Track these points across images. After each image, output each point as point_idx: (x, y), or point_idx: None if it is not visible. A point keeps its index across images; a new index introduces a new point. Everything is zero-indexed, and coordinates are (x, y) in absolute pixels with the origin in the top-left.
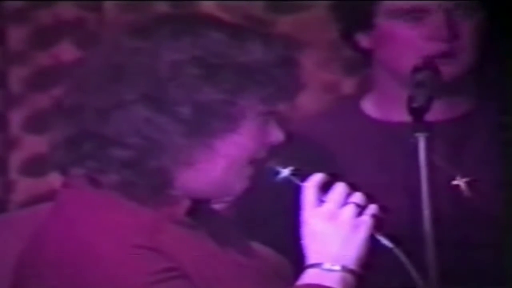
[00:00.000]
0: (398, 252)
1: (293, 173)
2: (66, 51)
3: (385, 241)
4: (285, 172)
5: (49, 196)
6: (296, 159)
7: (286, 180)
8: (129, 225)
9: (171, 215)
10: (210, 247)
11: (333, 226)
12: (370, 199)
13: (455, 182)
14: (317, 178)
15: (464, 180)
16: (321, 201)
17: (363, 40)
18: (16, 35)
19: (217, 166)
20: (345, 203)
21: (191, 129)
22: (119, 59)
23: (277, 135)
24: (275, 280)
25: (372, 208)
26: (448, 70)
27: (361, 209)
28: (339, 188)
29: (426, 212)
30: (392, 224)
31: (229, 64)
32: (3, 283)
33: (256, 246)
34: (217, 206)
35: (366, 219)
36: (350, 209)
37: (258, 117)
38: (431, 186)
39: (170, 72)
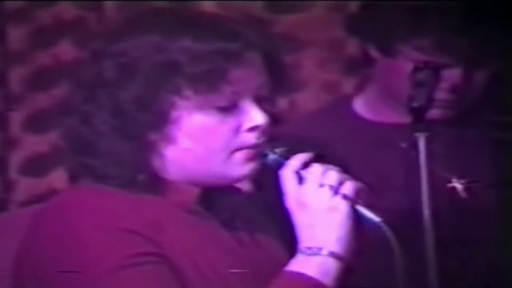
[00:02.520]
0: (384, 226)
1: (281, 155)
2: (66, 51)
3: (371, 215)
4: (273, 154)
5: (49, 196)
6: (295, 148)
7: (276, 162)
8: (115, 209)
9: (180, 203)
10: (216, 236)
11: (308, 211)
12: (349, 175)
13: (451, 185)
14: (295, 160)
15: (460, 182)
16: (302, 182)
17: (375, 53)
18: (16, 35)
19: (184, 158)
20: (321, 184)
21: (115, 130)
22: (80, 64)
23: (253, 119)
24: (272, 272)
25: (347, 187)
26: (447, 112)
27: (337, 189)
28: (315, 171)
29: (426, 211)
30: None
31: (146, 64)
32: (3, 282)
33: (264, 236)
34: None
35: (342, 199)
36: (324, 192)
37: (208, 109)
38: (430, 186)
39: (97, 76)
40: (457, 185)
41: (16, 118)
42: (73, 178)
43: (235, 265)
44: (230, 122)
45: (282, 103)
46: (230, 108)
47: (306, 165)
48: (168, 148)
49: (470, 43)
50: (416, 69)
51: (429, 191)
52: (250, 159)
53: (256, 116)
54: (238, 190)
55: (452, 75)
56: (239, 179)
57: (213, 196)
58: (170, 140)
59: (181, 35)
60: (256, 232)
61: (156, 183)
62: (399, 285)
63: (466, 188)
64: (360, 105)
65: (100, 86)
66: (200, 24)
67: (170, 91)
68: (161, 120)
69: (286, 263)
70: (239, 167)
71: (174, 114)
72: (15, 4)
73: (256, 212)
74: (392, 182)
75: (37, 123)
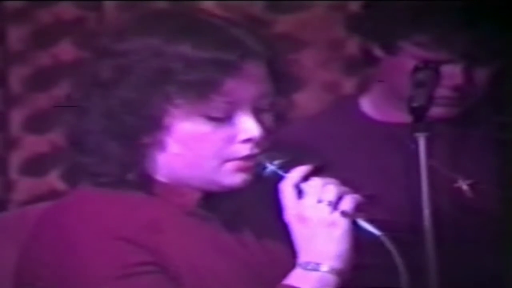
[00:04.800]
0: (385, 239)
1: (280, 167)
2: (66, 51)
3: (371, 229)
4: (272, 166)
5: (49, 196)
6: (295, 159)
7: (274, 173)
8: (113, 216)
9: (181, 206)
10: (217, 239)
11: (307, 226)
12: (350, 186)
13: (457, 185)
14: (295, 173)
15: (466, 182)
16: (301, 195)
17: (378, 52)
18: (16, 35)
19: (174, 162)
20: (319, 200)
21: (105, 130)
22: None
23: (247, 131)
24: (282, 275)
25: (346, 202)
26: (449, 111)
27: (336, 204)
28: (314, 184)
29: (426, 211)
30: (392, 223)
31: (142, 68)
32: (3, 282)
33: (271, 239)
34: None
35: (340, 215)
36: (323, 207)
37: (202, 117)
38: (431, 186)
39: (94, 75)
40: (463, 186)
41: (16, 118)
42: (69, 176)
43: (235, 268)
44: (223, 132)
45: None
46: (224, 118)
47: (305, 178)
48: (159, 152)
49: (471, 39)
50: (416, 69)
51: (429, 191)
52: (241, 169)
53: (250, 128)
54: (240, 191)
55: (454, 72)
56: (231, 188)
57: (217, 198)
58: (160, 145)
59: (182, 40)
60: (262, 234)
61: (148, 183)
62: None
63: (472, 189)
64: (366, 105)
65: (96, 85)
66: (203, 30)
67: (161, 98)
68: (151, 125)
69: (290, 265)
70: (231, 177)
71: (165, 120)
72: (15, 4)
73: (263, 214)
74: (399, 182)
75: (37, 123)
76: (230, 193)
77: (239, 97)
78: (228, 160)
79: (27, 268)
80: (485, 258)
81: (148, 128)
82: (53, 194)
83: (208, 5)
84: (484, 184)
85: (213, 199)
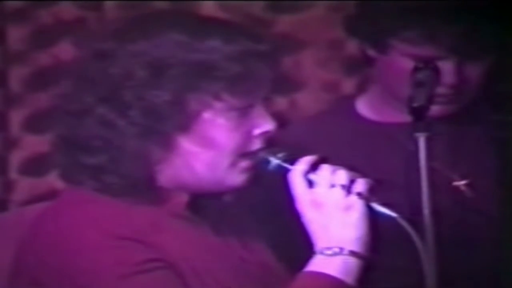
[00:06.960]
0: (402, 221)
1: (285, 159)
2: (66, 51)
3: (387, 211)
4: (276, 159)
5: (49, 196)
6: (297, 153)
7: (279, 167)
8: (114, 217)
9: (171, 210)
10: (209, 241)
11: (323, 212)
12: (358, 173)
13: (456, 184)
14: (302, 164)
15: (464, 182)
16: (311, 185)
17: (371, 52)
18: (16, 35)
19: (196, 161)
20: (332, 185)
21: (144, 131)
22: (84, 62)
23: (264, 125)
24: (269, 276)
25: (360, 185)
26: (445, 109)
27: (349, 187)
28: (324, 172)
29: (426, 211)
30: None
31: (180, 64)
32: (3, 282)
33: (251, 240)
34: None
35: (356, 197)
36: (337, 192)
37: (230, 111)
38: (430, 186)
39: (123, 76)
40: (462, 185)
41: (16, 118)
42: (68, 176)
43: (227, 269)
44: (243, 125)
45: (282, 103)
46: (245, 112)
47: (313, 167)
48: (187, 150)
49: (458, 34)
50: (416, 69)
51: (429, 191)
52: (249, 168)
53: (268, 121)
54: (221, 195)
55: (446, 68)
56: (234, 188)
57: (200, 201)
58: (194, 140)
59: (208, 35)
60: (243, 236)
61: (150, 190)
62: (423, 278)
63: (471, 188)
64: (362, 106)
65: (123, 85)
66: (222, 26)
67: (206, 92)
68: (191, 121)
69: (274, 266)
70: (239, 177)
71: (205, 115)
72: (15, 4)
73: (242, 216)
74: (397, 182)
75: (37, 123)
76: (216, 195)
77: (263, 88)
78: (242, 155)
79: (25, 269)
80: (485, 258)
81: (188, 124)
82: (53, 194)
83: (208, 5)
84: (484, 183)
85: (199, 202)
